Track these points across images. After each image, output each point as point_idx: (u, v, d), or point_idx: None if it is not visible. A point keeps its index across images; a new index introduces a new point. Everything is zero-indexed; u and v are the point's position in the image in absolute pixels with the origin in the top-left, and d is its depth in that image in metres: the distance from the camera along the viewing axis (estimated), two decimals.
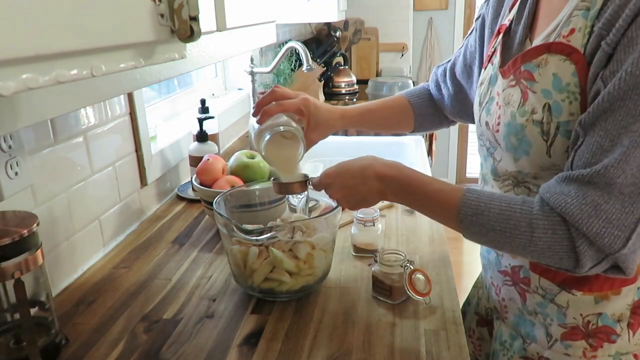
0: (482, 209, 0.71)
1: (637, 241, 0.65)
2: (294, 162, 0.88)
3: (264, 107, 0.90)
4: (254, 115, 0.91)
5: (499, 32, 0.87)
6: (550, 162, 0.74)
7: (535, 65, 0.74)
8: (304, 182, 0.87)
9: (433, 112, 1.12)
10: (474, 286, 1.09)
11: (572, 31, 0.70)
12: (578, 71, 0.69)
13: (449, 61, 1.09)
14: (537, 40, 0.77)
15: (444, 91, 1.08)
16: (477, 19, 0.99)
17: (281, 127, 0.85)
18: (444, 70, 1.09)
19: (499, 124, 0.81)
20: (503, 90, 0.80)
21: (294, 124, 0.88)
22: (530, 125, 0.74)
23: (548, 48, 0.73)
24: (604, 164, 0.64)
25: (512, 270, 0.87)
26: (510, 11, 0.87)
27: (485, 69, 0.89)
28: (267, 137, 0.85)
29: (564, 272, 0.79)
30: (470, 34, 1.02)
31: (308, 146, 0.93)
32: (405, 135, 2.13)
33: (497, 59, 0.84)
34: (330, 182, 0.84)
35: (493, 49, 0.87)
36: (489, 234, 0.71)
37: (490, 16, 0.94)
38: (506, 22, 0.86)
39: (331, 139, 2.07)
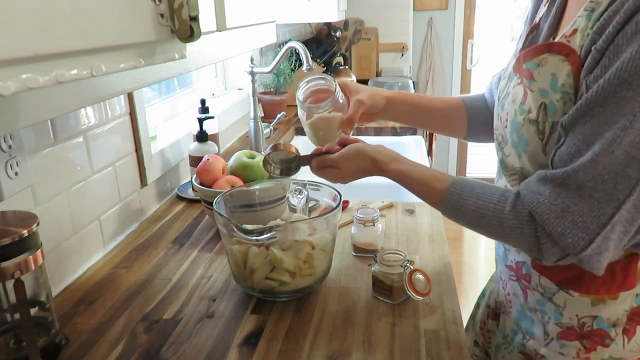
0: (460, 204, 0.77)
1: (602, 244, 0.67)
2: (334, 124, 0.95)
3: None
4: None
5: (532, 28, 0.86)
6: (547, 160, 0.74)
7: (535, 64, 0.75)
8: (298, 159, 0.94)
9: (488, 118, 1.06)
10: (490, 279, 1.10)
11: (575, 31, 0.70)
12: (573, 72, 0.69)
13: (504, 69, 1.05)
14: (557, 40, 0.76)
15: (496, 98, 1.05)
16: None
17: (321, 80, 0.95)
18: (499, 78, 1.05)
19: (507, 120, 0.82)
20: (513, 87, 0.81)
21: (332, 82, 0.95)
22: (527, 124, 0.75)
23: (549, 47, 0.73)
24: (573, 167, 0.66)
25: (517, 265, 0.88)
26: (545, 6, 0.85)
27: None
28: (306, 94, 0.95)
29: (563, 272, 0.80)
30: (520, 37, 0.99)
31: (360, 108, 0.95)
32: (406, 135, 2.13)
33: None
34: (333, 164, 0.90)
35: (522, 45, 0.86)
36: (467, 225, 0.79)
37: (530, 11, 0.91)
38: (537, 19, 0.85)
39: None
